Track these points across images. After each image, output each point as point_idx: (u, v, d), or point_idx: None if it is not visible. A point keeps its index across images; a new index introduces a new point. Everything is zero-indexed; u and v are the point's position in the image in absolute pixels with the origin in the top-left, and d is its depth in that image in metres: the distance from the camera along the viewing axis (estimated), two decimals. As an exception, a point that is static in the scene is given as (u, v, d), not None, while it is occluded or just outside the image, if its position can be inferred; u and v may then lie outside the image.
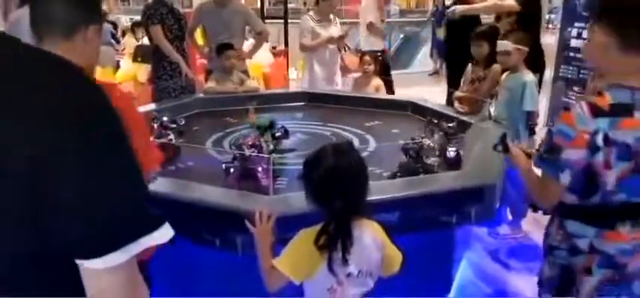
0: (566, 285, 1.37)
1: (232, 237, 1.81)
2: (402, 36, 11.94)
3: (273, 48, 6.99)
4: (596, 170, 1.25)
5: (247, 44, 4.39)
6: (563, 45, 4.89)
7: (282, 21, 7.21)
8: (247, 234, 1.75)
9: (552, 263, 1.40)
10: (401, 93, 4.63)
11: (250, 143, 2.39)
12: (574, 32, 4.76)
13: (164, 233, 0.68)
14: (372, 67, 3.82)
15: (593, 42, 1.31)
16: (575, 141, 1.24)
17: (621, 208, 1.29)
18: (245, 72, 3.93)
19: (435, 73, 9.00)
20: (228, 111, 3.31)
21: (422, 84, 7.71)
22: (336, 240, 1.30)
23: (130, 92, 4.77)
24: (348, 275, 1.34)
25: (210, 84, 3.61)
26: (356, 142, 2.76)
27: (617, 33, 1.24)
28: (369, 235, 1.38)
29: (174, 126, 2.70)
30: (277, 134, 2.53)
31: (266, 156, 2.22)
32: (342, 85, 4.26)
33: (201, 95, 3.63)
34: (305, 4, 15.16)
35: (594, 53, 1.33)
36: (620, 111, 1.23)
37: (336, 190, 1.34)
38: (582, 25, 4.63)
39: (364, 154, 2.61)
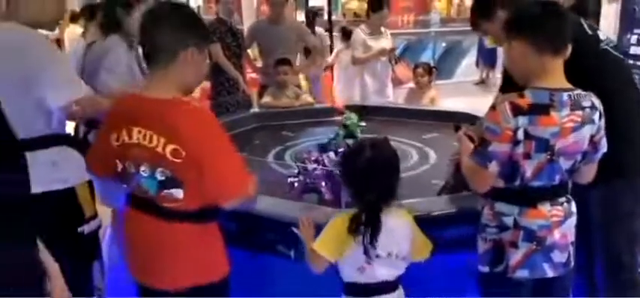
0: (499, 258, 1.57)
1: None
2: (444, 45, 11.83)
3: (319, 61, 7.05)
4: (516, 160, 1.46)
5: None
6: (622, 52, 4.72)
7: (326, 34, 7.28)
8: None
9: (485, 239, 1.60)
10: (447, 103, 4.58)
11: (313, 158, 2.45)
12: (634, 39, 4.60)
13: None
14: (425, 79, 3.82)
15: (514, 55, 1.55)
16: (501, 136, 1.45)
17: (540, 190, 1.51)
18: (298, 86, 4.01)
19: (482, 82, 8.87)
20: (284, 126, 3.38)
21: (467, 94, 7.60)
22: (366, 227, 1.48)
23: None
24: (377, 256, 1.51)
25: (266, 99, 3.71)
26: (415, 155, 2.77)
27: (532, 41, 1.48)
28: (397, 221, 1.55)
29: None
30: (339, 149, 2.58)
31: (331, 169, 2.27)
32: (393, 97, 4.27)
33: (257, 110, 3.73)
34: (344, 15, 15.31)
35: (517, 64, 1.56)
36: (538, 110, 1.43)
37: (371, 182, 1.52)
38: (643, 31, 4.48)
39: (425, 167, 2.63)
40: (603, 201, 1.83)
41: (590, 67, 1.75)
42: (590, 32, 1.88)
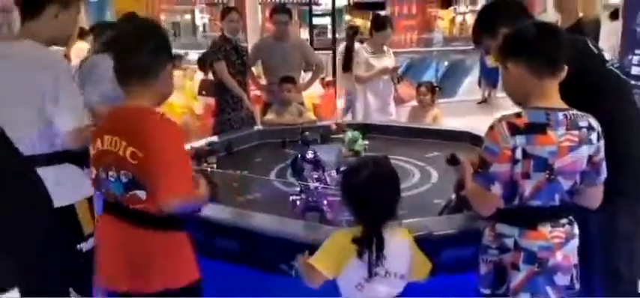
0: (500, 280, 1.56)
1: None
2: (446, 64, 11.89)
3: (322, 79, 7.11)
4: (515, 179, 1.47)
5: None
6: (623, 72, 4.74)
7: (329, 52, 7.37)
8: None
9: (486, 261, 1.60)
10: (449, 122, 4.59)
11: (315, 177, 2.46)
12: (635, 59, 4.62)
13: None
14: (428, 98, 3.85)
15: (510, 77, 1.55)
16: (500, 156, 1.46)
17: (539, 210, 1.51)
18: (301, 104, 4.04)
19: (484, 101, 8.90)
20: (287, 143, 3.38)
21: (470, 113, 7.61)
22: (369, 245, 1.49)
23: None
24: (376, 274, 1.51)
25: (270, 116, 3.74)
26: (417, 174, 2.78)
27: (529, 64, 1.49)
28: (398, 240, 1.55)
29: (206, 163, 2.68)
30: (342, 168, 2.59)
31: (332, 188, 2.28)
32: (396, 116, 4.29)
33: (261, 127, 3.75)
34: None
35: (514, 86, 1.56)
36: (534, 129, 1.45)
37: (371, 200, 1.53)
38: (644, 51, 4.50)
39: (427, 186, 2.64)
40: (603, 221, 1.82)
41: (595, 86, 1.77)
42: (595, 51, 1.91)
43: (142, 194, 1.48)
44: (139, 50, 1.50)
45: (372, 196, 1.54)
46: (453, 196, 2.09)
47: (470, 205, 2.08)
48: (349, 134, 3.00)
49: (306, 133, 2.66)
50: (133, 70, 1.52)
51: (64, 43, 2.14)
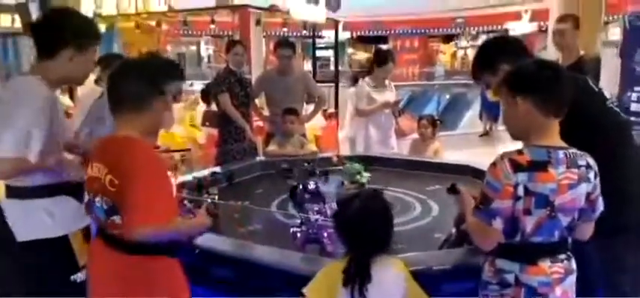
0: None
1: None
2: (448, 97, 11.99)
3: (325, 111, 7.17)
4: (517, 216, 1.49)
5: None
6: (622, 109, 4.78)
7: (331, 84, 7.47)
8: None
9: (487, 297, 1.60)
10: (450, 155, 4.61)
11: (316, 209, 2.47)
12: (634, 96, 4.67)
13: None
14: (429, 131, 3.88)
15: (517, 112, 1.55)
16: (502, 193, 1.47)
17: (540, 246, 1.52)
18: (303, 135, 4.08)
19: (485, 134, 8.94)
20: (289, 174, 3.40)
21: (471, 146, 7.65)
22: (355, 277, 1.53)
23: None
24: None
25: (272, 147, 3.77)
26: (418, 207, 2.79)
27: (538, 102, 1.51)
28: (390, 273, 1.57)
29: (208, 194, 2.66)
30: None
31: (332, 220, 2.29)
32: (397, 149, 4.31)
33: (263, 158, 3.78)
34: (351, 66, 15.67)
35: (518, 121, 1.57)
36: (536, 167, 1.47)
37: (361, 231, 1.58)
38: (643, 89, 4.55)
39: (428, 220, 2.64)
40: (607, 258, 1.83)
41: (595, 123, 1.80)
42: (596, 89, 1.95)
43: (118, 220, 1.52)
44: (127, 80, 1.56)
45: (361, 228, 1.58)
46: (454, 230, 2.10)
47: (470, 239, 2.09)
48: (350, 166, 3.03)
49: (306, 164, 2.69)
50: (122, 99, 1.57)
51: (79, 82, 2.15)
